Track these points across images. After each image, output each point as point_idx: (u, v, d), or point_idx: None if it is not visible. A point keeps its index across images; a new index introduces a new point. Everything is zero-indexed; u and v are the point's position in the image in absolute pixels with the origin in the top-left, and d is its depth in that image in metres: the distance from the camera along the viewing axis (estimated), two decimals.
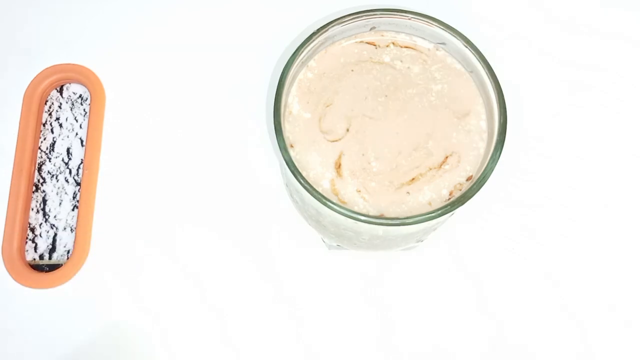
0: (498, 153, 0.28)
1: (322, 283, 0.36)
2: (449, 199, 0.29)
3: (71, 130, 0.40)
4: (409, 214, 0.28)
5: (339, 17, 0.30)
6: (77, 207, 0.38)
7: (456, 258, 0.37)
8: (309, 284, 0.36)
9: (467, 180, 0.29)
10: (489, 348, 0.35)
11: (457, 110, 0.30)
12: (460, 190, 0.29)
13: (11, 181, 0.38)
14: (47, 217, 0.38)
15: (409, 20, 0.31)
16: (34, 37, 0.42)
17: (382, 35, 0.32)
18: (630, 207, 0.38)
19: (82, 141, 0.40)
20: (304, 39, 0.30)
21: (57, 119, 0.40)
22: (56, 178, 0.39)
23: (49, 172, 0.39)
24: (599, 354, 0.35)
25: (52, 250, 0.37)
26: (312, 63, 0.31)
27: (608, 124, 0.40)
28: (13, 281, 0.36)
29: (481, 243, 0.37)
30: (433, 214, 0.27)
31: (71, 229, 0.38)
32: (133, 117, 0.40)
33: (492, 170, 0.28)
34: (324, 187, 0.29)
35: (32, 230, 0.38)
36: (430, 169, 0.29)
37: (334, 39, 0.31)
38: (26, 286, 0.36)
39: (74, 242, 0.37)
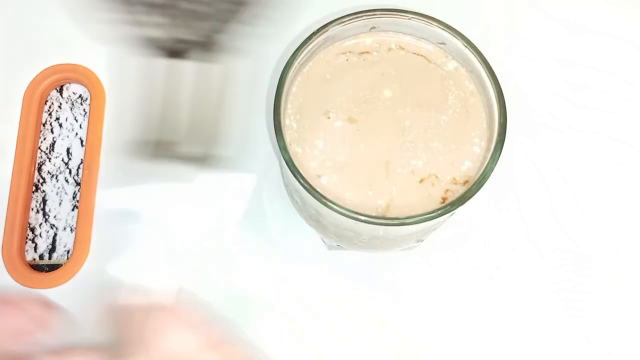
0: (498, 153, 0.28)
1: (322, 283, 0.36)
2: (447, 199, 0.29)
3: (71, 130, 0.40)
4: (408, 214, 0.28)
5: (339, 17, 0.30)
6: (77, 207, 0.38)
7: (456, 258, 0.37)
8: (308, 284, 0.36)
9: (466, 180, 0.29)
10: (489, 348, 0.35)
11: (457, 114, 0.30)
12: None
13: (11, 181, 0.38)
14: (47, 217, 0.38)
15: (409, 20, 0.31)
16: (34, 37, 0.41)
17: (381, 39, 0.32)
18: (630, 207, 0.38)
19: (82, 141, 0.40)
20: (303, 39, 0.30)
21: (57, 119, 0.40)
22: (56, 178, 0.39)
23: (49, 172, 0.39)
24: (601, 352, 0.35)
25: (52, 250, 0.37)
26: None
27: (608, 124, 0.40)
28: (13, 281, 0.36)
29: (481, 243, 0.37)
30: (433, 214, 0.27)
31: (71, 229, 0.38)
32: (133, 117, 0.40)
33: (492, 170, 0.28)
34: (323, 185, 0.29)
35: (32, 230, 0.38)
36: None
37: (334, 39, 0.31)
38: (26, 286, 0.36)
39: (74, 242, 0.37)
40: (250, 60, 0.41)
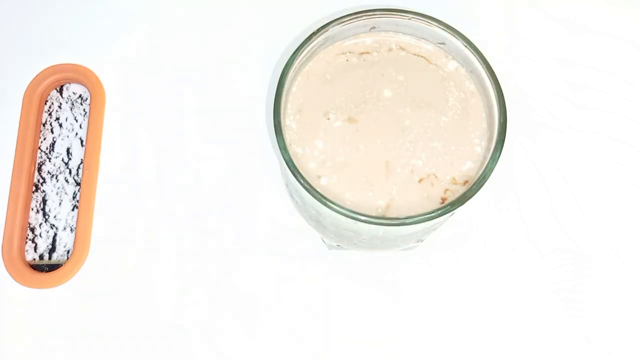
0: (498, 153, 0.28)
1: (322, 283, 0.36)
2: (446, 199, 0.29)
3: (71, 130, 0.40)
4: (408, 214, 0.28)
5: (338, 17, 0.30)
6: (77, 207, 0.38)
7: (456, 258, 0.37)
8: (308, 284, 0.36)
9: (466, 180, 0.29)
10: (489, 348, 0.35)
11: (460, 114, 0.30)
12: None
13: (11, 181, 0.38)
14: (47, 217, 0.38)
15: (409, 20, 0.31)
16: (34, 37, 0.42)
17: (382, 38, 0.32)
18: (630, 207, 0.38)
19: (82, 141, 0.40)
20: (303, 39, 0.30)
21: (57, 119, 0.40)
22: (56, 178, 0.39)
23: (49, 172, 0.39)
24: (601, 352, 0.35)
25: (52, 250, 0.37)
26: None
27: (608, 124, 0.40)
28: (13, 281, 0.36)
29: (481, 243, 0.37)
30: (433, 214, 0.27)
31: (71, 229, 0.38)
32: (133, 117, 0.40)
33: (492, 170, 0.28)
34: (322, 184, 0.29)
35: (32, 230, 0.38)
36: None
37: (334, 39, 0.31)
38: (26, 286, 0.36)
39: (74, 242, 0.37)
40: (251, 60, 0.41)
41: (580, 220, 0.38)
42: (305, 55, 0.30)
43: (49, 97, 0.41)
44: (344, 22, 0.30)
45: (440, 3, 0.40)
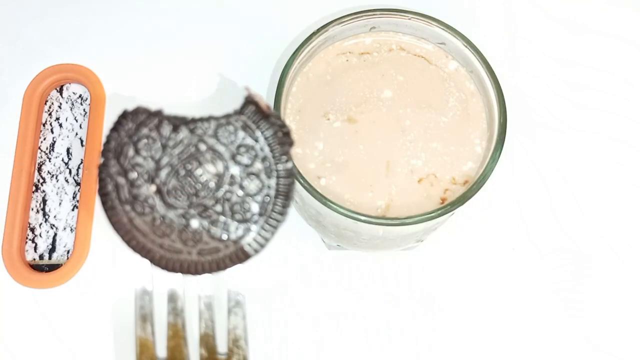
0: (498, 153, 0.28)
1: (322, 283, 0.36)
2: (446, 199, 0.29)
3: (71, 130, 0.40)
4: (408, 214, 0.28)
5: (338, 17, 0.30)
6: (77, 207, 0.38)
7: (456, 258, 0.37)
8: (308, 284, 0.36)
9: (466, 180, 0.29)
10: (489, 348, 0.35)
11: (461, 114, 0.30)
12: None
13: (11, 181, 0.38)
14: (47, 217, 0.38)
15: (409, 20, 0.31)
16: (34, 37, 0.42)
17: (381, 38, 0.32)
18: (630, 207, 0.38)
19: (82, 141, 0.40)
20: (303, 39, 0.30)
21: (57, 119, 0.40)
22: (56, 178, 0.39)
23: (49, 172, 0.39)
24: (601, 352, 0.35)
25: (52, 250, 0.37)
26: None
27: (608, 124, 0.40)
28: (13, 281, 0.36)
29: (481, 243, 0.37)
30: (433, 214, 0.27)
31: (71, 229, 0.38)
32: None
33: (492, 170, 0.28)
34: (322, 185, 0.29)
35: (32, 230, 0.38)
36: None
37: (334, 39, 0.31)
38: (26, 286, 0.36)
39: (74, 242, 0.37)
40: (251, 60, 0.41)
41: (580, 220, 0.38)
42: (305, 55, 0.30)
43: (49, 97, 0.41)
44: (344, 22, 0.30)
45: (440, 3, 0.40)
